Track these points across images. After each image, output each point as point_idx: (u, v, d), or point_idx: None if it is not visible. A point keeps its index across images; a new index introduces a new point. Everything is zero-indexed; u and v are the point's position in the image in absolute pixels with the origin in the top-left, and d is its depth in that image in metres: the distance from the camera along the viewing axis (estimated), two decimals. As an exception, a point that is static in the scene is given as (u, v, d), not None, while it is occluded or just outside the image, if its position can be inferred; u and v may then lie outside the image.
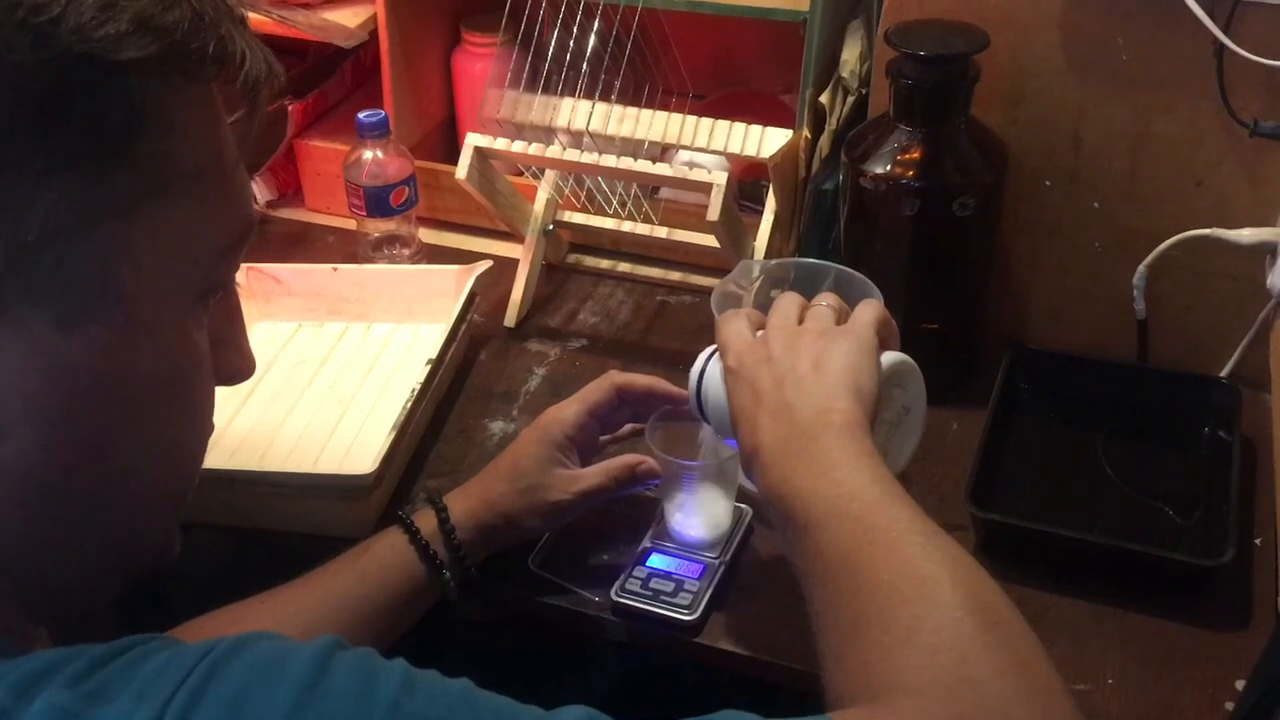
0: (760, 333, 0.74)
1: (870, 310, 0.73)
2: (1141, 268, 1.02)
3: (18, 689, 0.43)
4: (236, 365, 0.59)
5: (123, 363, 0.50)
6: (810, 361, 0.69)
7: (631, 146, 1.11)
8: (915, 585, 0.57)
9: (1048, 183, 1.04)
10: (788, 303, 0.75)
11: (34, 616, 0.53)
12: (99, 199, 0.47)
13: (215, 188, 0.52)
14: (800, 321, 0.73)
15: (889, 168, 0.97)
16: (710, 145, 1.11)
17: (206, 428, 0.57)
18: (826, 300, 0.75)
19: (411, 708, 0.46)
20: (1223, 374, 1.03)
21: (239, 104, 0.53)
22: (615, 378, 0.88)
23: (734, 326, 0.74)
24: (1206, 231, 0.98)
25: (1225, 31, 0.91)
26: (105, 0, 0.46)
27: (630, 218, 1.15)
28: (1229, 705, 0.78)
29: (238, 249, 0.54)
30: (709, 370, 0.78)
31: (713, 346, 0.77)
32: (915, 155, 0.97)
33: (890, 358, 0.73)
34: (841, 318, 0.73)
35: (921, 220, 0.97)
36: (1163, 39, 0.95)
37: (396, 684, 0.46)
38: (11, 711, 0.43)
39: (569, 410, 0.87)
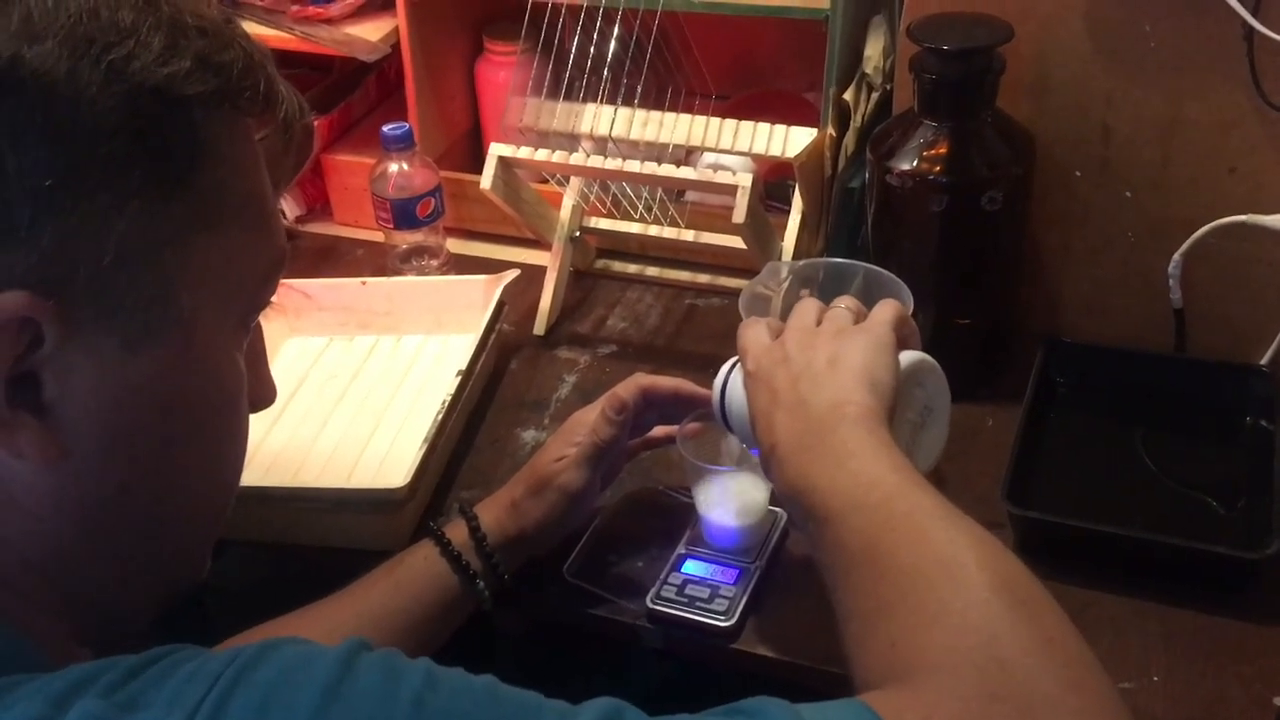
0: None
1: (887, 309, 0.73)
2: (1177, 256, 1.00)
3: (56, 700, 0.45)
4: (259, 393, 0.62)
5: (179, 384, 0.52)
6: (826, 359, 0.69)
7: (656, 150, 1.11)
8: (940, 569, 0.57)
9: (1077, 173, 1.02)
10: (805, 307, 0.76)
11: (79, 636, 0.55)
12: (163, 226, 0.50)
13: (258, 218, 0.55)
14: (818, 324, 0.73)
15: (915, 164, 0.96)
16: (735, 146, 1.11)
17: (245, 448, 0.60)
18: (844, 303, 0.75)
19: (436, 703, 0.46)
20: (1263, 362, 1.02)
21: (273, 139, 0.57)
22: (641, 380, 0.88)
23: (752, 333, 0.75)
24: (1242, 218, 0.96)
25: (1254, 14, 0.90)
26: (169, 41, 0.49)
27: (657, 222, 1.14)
28: (1278, 700, 0.76)
29: (274, 276, 0.58)
30: (731, 380, 0.78)
31: (735, 358, 0.77)
32: (941, 150, 0.96)
33: (909, 356, 0.72)
34: (859, 319, 0.74)
35: (950, 216, 0.96)
36: (1191, 24, 0.94)
37: (421, 680, 0.47)
38: None
39: (593, 413, 0.87)
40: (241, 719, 0.44)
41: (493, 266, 1.19)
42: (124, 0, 0.48)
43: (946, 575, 0.56)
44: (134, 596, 0.57)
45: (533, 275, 1.16)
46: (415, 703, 0.46)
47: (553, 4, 1.11)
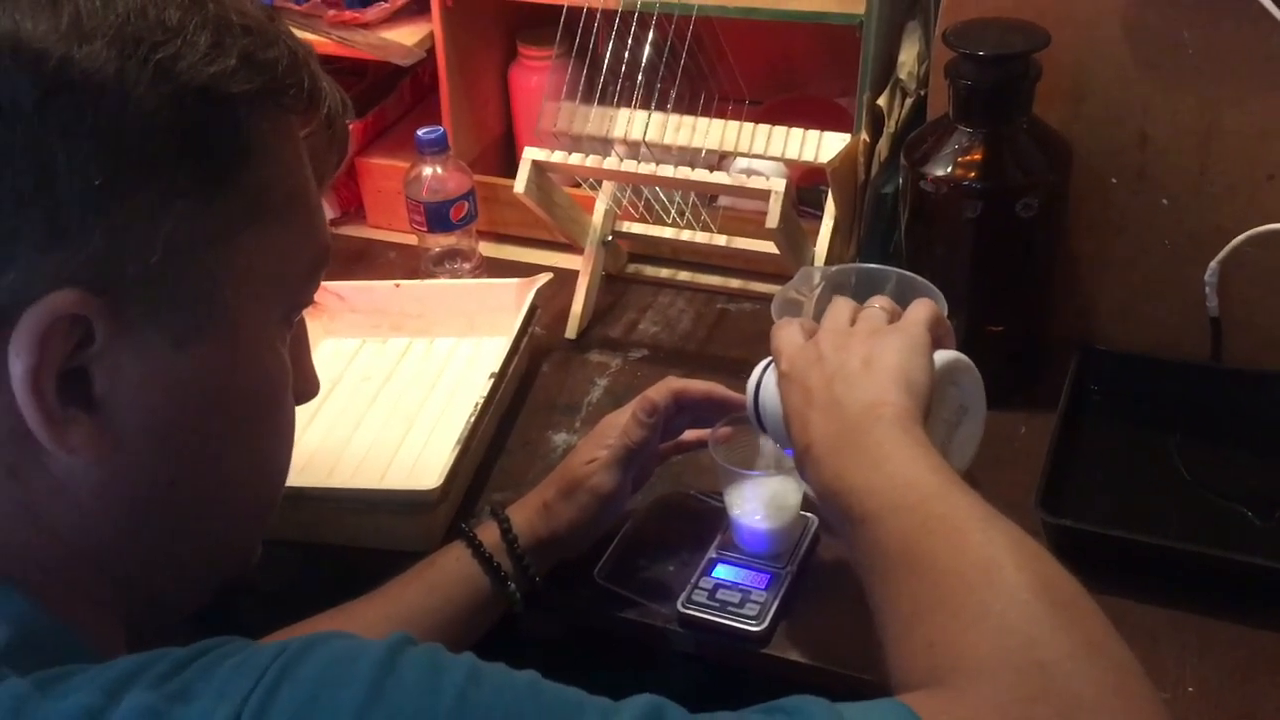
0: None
1: (922, 309, 0.72)
2: (1213, 264, 0.99)
3: (108, 690, 0.45)
4: (303, 386, 0.63)
5: (226, 380, 0.53)
6: (861, 359, 0.69)
7: (689, 155, 1.11)
8: (979, 571, 0.57)
9: (1114, 180, 1.02)
10: (840, 307, 0.75)
11: (123, 627, 0.56)
12: (209, 224, 0.50)
13: (302, 214, 0.56)
14: (852, 324, 0.73)
15: (950, 170, 0.96)
16: (768, 151, 1.11)
17: (291, 441, 0.61)
18: (879, 302, 0.75)
19: (479, 698, 0.47)
20: (1300, 371, 1.01)
21: (317, 135, 0.57)
22: (673, 383, 0.88)
23: (786, 332, 0.74)
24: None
25: (1295, 21, 0.89)
26: (214, 40, 0.49)
27: (689, 226, 1.15)
28: (1315, 713, 0.76)
29: (318, 272, 0.58)
30: (765, 380, 0.78)
31: (769, 358, 0.77)
32: (976, 156, 0.95)
33: (944, 355, 0.72)
34: (893, 319, 0.73)
35: (984, 222, 0.96)
36: (1229, 31, 0.93)
37: (464, 675, 0.48)
38: (102, 711, 0.44)
39: (625, 415, 0.87)
40: (288, 711, 0.45)
41: (525, 270, 1.19)
42: None
43: (985, 577, 0.56)
44: (181, 587, 0.58)
45: (565, 279, 1.17)
46: (459, 698, 0.46)
47: (587, 9, 1.11)
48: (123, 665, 0.47)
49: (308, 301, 0.59)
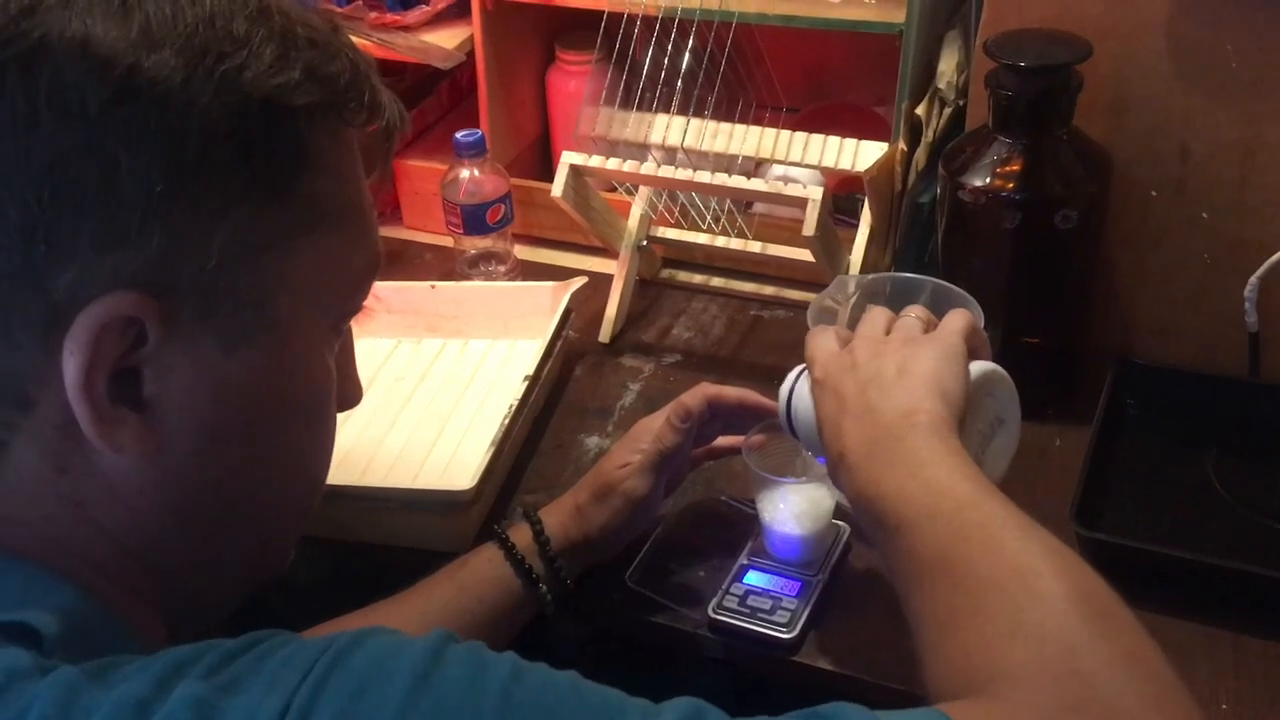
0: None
1: (958, 318, 0.72)
2: (1253, 279, 0.99)
3: (158, 680, 0.46)
4: (347, 393, 0.63)
5: (273, 385, 0.54)
6: (895, 367, 0.69)
7: (725, 162, 1.11)
8: (1016, 579, 0.56)
9: (1154, 193, 1.01)
10: (875, 315, 0.75)
11: (164, 622, 0.57)
12: (265, 232, 0.51)
13: (356, 223, 0.57)
14: (887, 333, 0.73)
15: (988, 180, 0.95)
16: (804, 159, 1.11)
17: (331, 448, 0.61)
18: (914, 312, 0.75)
19: (521, 696, 0.47)
20: (1340, 388, 1.00)
21: (375, 148, 0.58)
22: (707, 389, 0.88)
23: (821, 340, 0.74)
24: (1322, 241, 0.95)
25: (1341, 35, 0.89)
26: (279, 52, 0.50)
27: (724, 233, 1.15)
28: (1352, 734, 0.75)
29: (369, 279, 0.59)
30: (798, 387, 0.78)
31: (802, 365, 0.77)
32: (1016, 167, 0.95)
33: (980, 366, 0.72)
34: (929, 328, 0.73)
35: (1022, 233, 0.96)
36: (1273, 44, 0.93)
37: (507, 673, 0.48)
38: (153, 701, 0.45)
39: (659, 420, 0.87)
40: (336, 703, 0.45)
41: (560, 273, 1.20)
42: (239, 10, 0.50)
43: (1022, 586, 0.56)
44: (220, 585, 0.59)
45: (599, 283, 1.17)
46: (502, 695, 0.47)
47: (628, 15, 1.11)
48: (173, 656, 0.47)
49: (357, 309, 0.59)
